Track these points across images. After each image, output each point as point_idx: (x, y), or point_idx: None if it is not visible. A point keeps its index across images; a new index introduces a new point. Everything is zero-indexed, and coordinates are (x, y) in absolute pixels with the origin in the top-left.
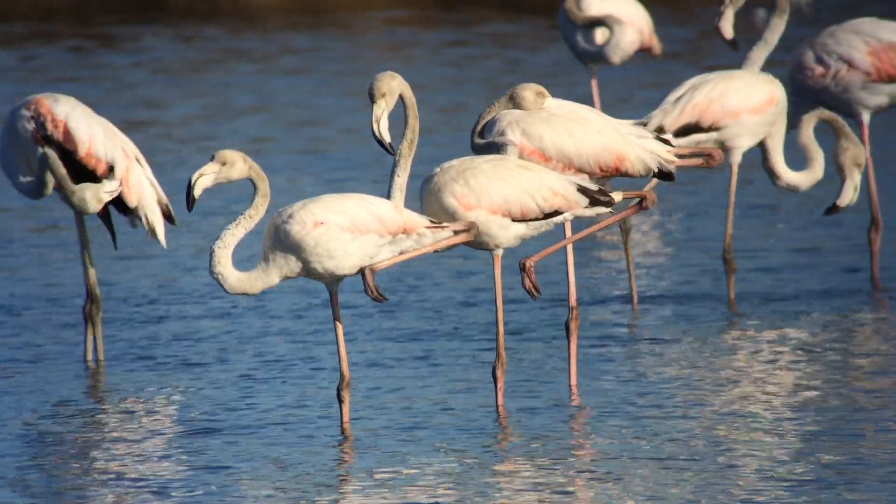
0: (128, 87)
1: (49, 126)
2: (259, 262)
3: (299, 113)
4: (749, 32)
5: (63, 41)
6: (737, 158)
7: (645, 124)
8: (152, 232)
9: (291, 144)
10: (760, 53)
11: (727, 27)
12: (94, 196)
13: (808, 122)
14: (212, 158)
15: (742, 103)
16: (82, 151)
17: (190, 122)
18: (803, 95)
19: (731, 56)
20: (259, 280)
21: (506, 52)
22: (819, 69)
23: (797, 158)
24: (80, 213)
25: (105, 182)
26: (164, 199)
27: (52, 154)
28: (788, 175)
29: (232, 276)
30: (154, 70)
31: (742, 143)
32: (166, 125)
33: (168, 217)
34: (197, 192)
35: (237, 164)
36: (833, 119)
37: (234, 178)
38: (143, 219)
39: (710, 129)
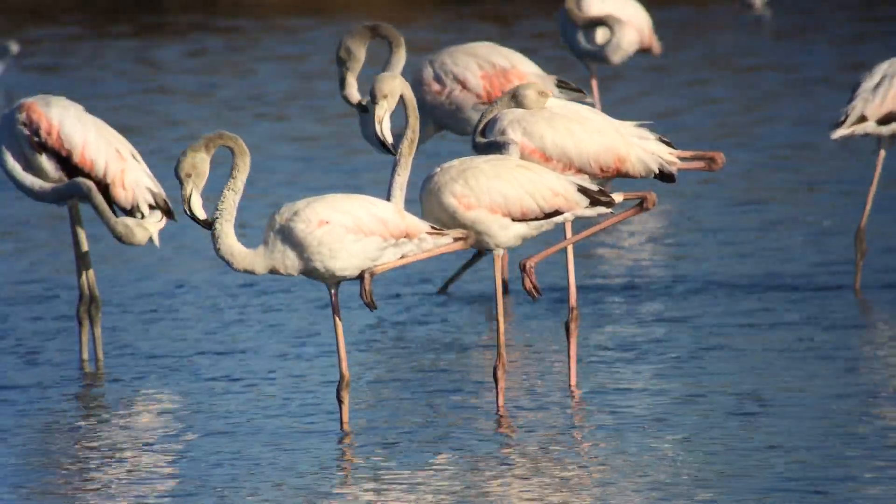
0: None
1: (43, 134)
2: (260, 245)
3: (300, 113)
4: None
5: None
6: None
7: (842, 121)
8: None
9: (292, 145)
10: None
11: (352, 92)
12: (141, 231)
13: None
14: (179, 179)
15: None
16: (77, 157)
17: (188, 123)
18: (421, 110)
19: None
20: (259, 261)
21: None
22: (436, 86)
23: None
24: (75, 212)
25: (147, 218)
26: (163, 195)
27: (91, 186)
28: None
29: (238, 251)
30: (152, 67)
31: None
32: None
33: (167, 213)
34: (199, 213)
35: (201, 165)
36: None
37: (207, 170)
38: (140, 218)
39: None
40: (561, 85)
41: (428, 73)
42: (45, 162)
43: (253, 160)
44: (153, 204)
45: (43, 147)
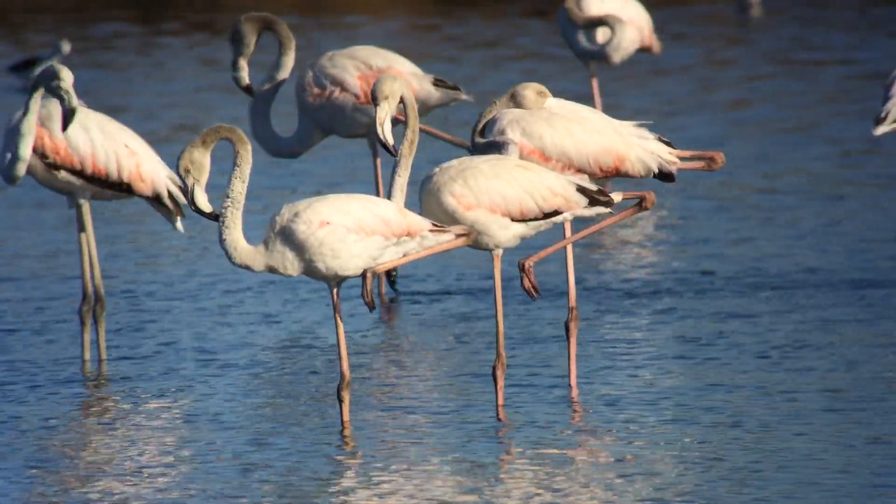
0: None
1: (50, 154)
2: (259, 244)
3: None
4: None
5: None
6: None
7: (884, 118)
8: (174, 214)
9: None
10: None
11: (242, 75)
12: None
13: None
14: (179, 174)
15: None
16: (89, 169)
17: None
18: (305, 112)
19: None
20: (259, 259)
21: (506, 50)
22: (317, 90)
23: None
24: (83, 212)
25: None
26: (178, 181)
27: (59, 70)
28: None
29: (242, 246)
30: (153, 65)
31: None
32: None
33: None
34: (204, 206)
35: (200, 159)
36: None
37: (208, 164)
38: (166, 205)
39: None
40: (438, 83)
41: (308, 77)
42: (67, 176)
43: (312, 158)
44: (172, 190)
45: (55, 166)
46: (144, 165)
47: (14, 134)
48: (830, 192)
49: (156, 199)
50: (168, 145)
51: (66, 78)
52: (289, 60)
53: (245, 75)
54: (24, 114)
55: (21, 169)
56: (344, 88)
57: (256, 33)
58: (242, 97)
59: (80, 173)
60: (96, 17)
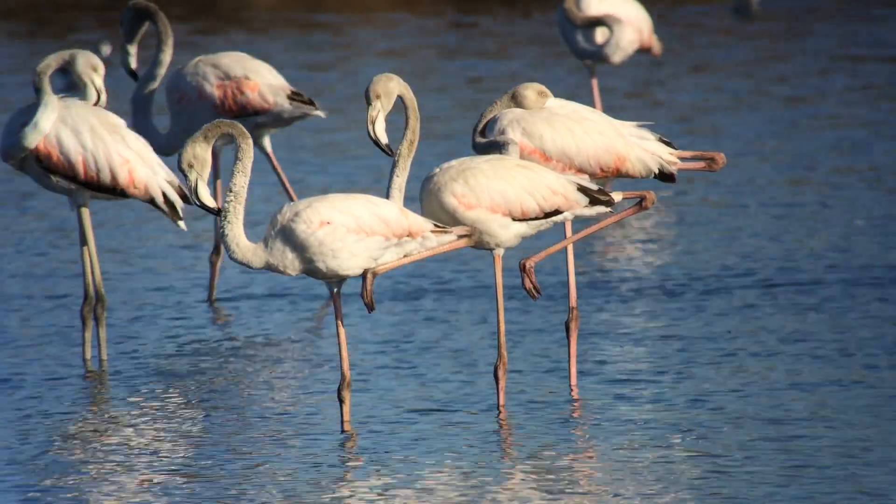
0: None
1: (43, 159)
2: (259, 241)
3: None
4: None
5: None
6: None
7: None
8: (173, 216)
9: (291, 144)
10: None
11: (130, 59)
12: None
13: None
14: (182, 172)
15: None
16: (80, 175)
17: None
18: (171, 113)
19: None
20: (259, 256)
21: (506, 51)
22: (178, 94)
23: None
24: (82, 213)
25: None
26: (176, 181)
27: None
28: None
29: (242, 243)
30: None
31: None
32: None
33: (182, 197)
34: (207, 200)
35: (202, 154)
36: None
37: (209, 159)
38: (161, 208)
39: None
40: (293, 97)
41: (174, 81)
42: (61, 180)
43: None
44: (168, 193)
45: (49, 170)
46: (137, 171)
47: (35, 107)
48: (819, 192)
49: (151, 203)
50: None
51: (83, 64)
52: (165, 56)
53: (132, 60)
54: (38, 91)
55: (32, 140)
56: (202, 96)
57: (141, 21)
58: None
59: (72, 178)
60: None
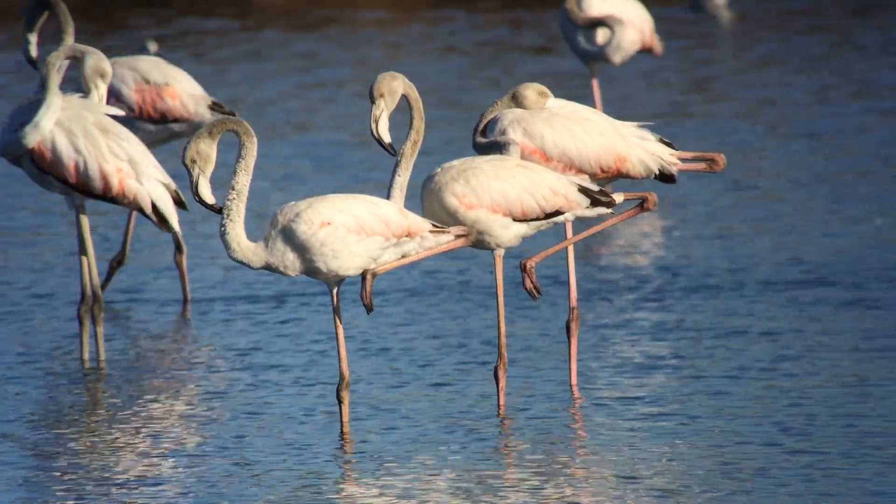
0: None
1: (38, 160)
2: (260, 241)
3: (304, 115)
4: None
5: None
6: None
7: None
8: (161, 226)
9: (292, 144)
10: None
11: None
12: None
13: None
14: (186, 167)
15: None
16: (71, 179)
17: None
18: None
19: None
20: (259, 256)
21: (507, 51)
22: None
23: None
24: (80, 213)
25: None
26: (173, 186)
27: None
28: None
29: (242, 242)
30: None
31: None
32: None
33: (178, 203)
34: (208, 198)
35: (206, 150)
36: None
37: (214, 156)
38: (150, 218)
39: None
40: (214, 107)
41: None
42: (56, 182)
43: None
44: (159, 203)
45: (44, 171)
46: (128, 182)
47: (37, 104)
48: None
49: (140, 212)
50: (273, 140)
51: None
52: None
53: (32, 48)
54: (44, 86)
55: (32, 140)
56: (119, 99)
57: (42, 10)
58: (346, 95)
59: (64, 181)
60: (198, 10)
